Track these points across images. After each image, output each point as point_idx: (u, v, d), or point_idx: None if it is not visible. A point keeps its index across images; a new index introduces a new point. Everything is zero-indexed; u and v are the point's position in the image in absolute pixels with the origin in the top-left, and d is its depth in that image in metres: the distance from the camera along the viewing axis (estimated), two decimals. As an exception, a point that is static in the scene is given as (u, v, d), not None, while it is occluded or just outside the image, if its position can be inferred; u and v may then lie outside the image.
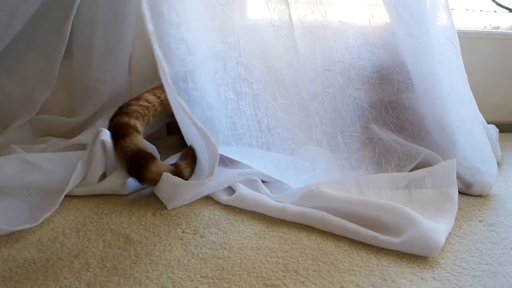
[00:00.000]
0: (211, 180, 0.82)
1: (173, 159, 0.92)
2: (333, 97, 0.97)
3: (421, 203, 0.81)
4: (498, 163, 1.03)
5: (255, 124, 0.93)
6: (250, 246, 0.69)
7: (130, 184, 0.87)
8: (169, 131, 1.30)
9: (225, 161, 0.91)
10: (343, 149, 0.96)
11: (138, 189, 0.89)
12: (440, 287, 0.60)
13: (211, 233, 0.73)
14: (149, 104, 0.99)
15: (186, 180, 0.84)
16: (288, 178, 0.90)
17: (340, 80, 0.97)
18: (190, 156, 0.87)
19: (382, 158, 0.95)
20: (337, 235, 0.73)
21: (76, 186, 0.85)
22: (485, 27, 1.73)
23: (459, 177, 0.93)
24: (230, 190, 0.88)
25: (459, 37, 0.90)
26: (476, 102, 0.94)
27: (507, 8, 1.73)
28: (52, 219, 0.75)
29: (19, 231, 0.69)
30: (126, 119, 0.92)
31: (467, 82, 0.92)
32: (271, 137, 0.93)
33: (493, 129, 1.24)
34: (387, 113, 1.01)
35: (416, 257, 0.67)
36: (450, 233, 0.74)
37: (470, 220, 0.81)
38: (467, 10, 1.72)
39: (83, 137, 1.07)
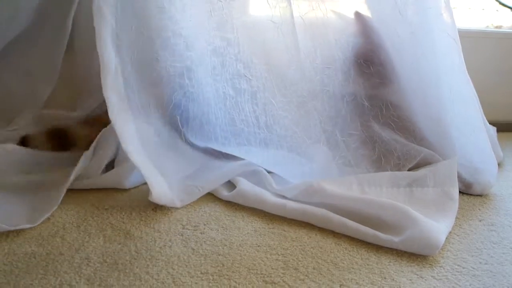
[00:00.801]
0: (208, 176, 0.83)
1: None
2: (332, 95, 0.96)
3: (422, 202, 0.80)
4: (499, 163, 1.03)
5: (254, 120, 0.93)
6: (250, 243, 0.69)
7: (134, 178, 0.87)
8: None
9: (221, 156, 0.91)
10: (342, 147, 0.96)
11: (142, 184, 0.88)
12: (439, 286, 0.60)
13: (211, 229, 0.73)
14: None
15: None
16: (284, 172, 0.90)
17: (340, 77, 0.97)
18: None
19: (382, 157, 0.95)
20: (337, 233, 0.73)
21: (77, 179, 0.84)
22: (487, 26, 1.72)
23: (459, 177, 0.92)
24: (231, 185, 0.88)
25: (460, 36, 0.90)
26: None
27: (509, 7, 1.73)
28: (53, 214, 0.75)
29: (19, 227, 0.70)
30: None
31: (470, 80, 0.91)
32: (269, 134, 0.93)
33: (492, 129, 1.23)
34: (388, 111, 1.01)
35: (416, 256, 0.67)
36: (450, 232, 0.74)
37: (470, 220, 0.81)
38: (469, 9, 1.71)
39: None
